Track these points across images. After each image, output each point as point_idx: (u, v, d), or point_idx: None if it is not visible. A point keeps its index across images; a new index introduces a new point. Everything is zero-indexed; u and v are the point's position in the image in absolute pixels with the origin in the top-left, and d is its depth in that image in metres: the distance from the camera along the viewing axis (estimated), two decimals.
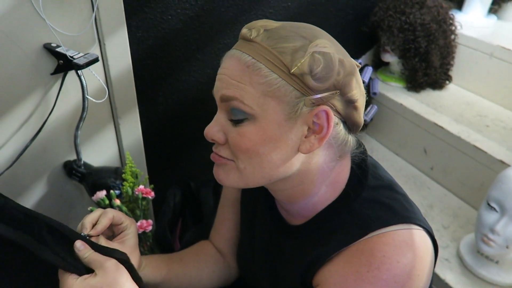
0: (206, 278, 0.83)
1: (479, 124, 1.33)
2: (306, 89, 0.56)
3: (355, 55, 1.58)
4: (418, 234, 0.61)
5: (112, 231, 0.71)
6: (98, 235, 0.66)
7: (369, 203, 0.64)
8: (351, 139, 0.64)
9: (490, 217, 0.92)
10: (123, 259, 0.62)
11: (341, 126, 0.61)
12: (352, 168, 0.67)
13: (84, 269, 0.60)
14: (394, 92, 1.49)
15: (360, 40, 1.54)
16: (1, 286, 0.63)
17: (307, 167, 0.62)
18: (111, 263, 0.60)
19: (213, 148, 0.64)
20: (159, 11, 1.07)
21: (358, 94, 0.60)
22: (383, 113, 1.49)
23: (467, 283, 1.02)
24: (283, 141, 0.58)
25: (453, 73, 1.53)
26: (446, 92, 1.52)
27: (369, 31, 1.46)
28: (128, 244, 0.69)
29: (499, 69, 1.40)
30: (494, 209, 0.91)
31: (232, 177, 0.63)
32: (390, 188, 0.67)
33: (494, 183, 0.93)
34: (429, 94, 1.50)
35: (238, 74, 0.58)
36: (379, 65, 1.62)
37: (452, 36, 1.43)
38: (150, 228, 0.95)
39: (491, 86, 1.45)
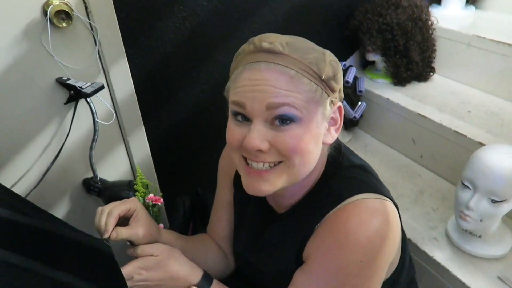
0: (211, 259, 0.94)
1: (462, 111, 1.41)
2: (329, 91, 0.68)
3: (342, 58, 1.70)
4: (388, 204, 0.71)
5: (125, 219, 0.80)
6: (113, 230, 0.75)
7: (344, 179, 0.74)
8: None
9: (465, 195, 1.00)
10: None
11: None
12: (328, 153, 0.78)
13: None
14: (381, 88, 1.58)
15: (345, 43, 1.64)
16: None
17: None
18: (159, 244, 0.78)
19: (254, 159, 0.67)
20: (153, 39, 1.20)
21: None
22: (372, 109, 1.58)
23: (455, 258, 1.10)
24: (319, 138, 0.70)
25: (436, 65, 1.61)
26: (431, 83, 1.60)
27: (351, 34, 1.56)
28: (142, 219, 0.80)
29: (478, 57, 1.48)
30: (468, 187, 1.00)
31: (280, 181, 0.68)
32: (362, 168, 0.77)
33: (467, 163, 1.02)
34: (415, 87, 1.58)
35: (284, 84, 0.64)
36: (366, 64, 1.72)
37: (430, 31, 1.52)
38: None
39: (473, 73, 1.53)
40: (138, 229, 0.78)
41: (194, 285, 0.77)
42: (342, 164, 0.76)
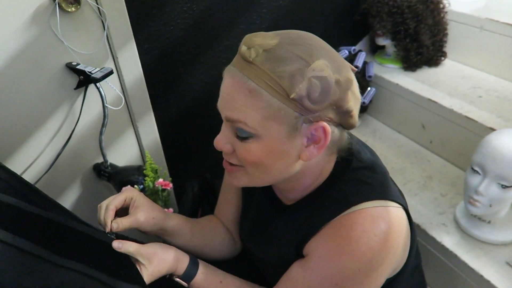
0: (218, 241, 0.95)
1: (473, 95, 1.39)
2: (304, 110, 0.62)
3: (351, 43, 1.68)
4: (394, 211, 0.70)
5: (125, 210, 0.81)
6: (113, 222, 0.76)
7: (351, 182, 0.73)
8: (344, 135, 0.73)
9: (474, 180, 1.00)
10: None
11: (336, 131, 0.69)
12: (338, 153, 0.76)
13: None
14: (391, 73, 1.56)
15: (354, 28, 1.62)
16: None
17: (307, 165, 0.72)
18: (149, 246, 0.76)
19: (224, 155, 0.72)
20: (161, 23, 1.20)
21: (353, 103, 0.67)
22: (382, 94, 1.57)
23: (463, 244, 1.10)
24: (285, 153, 0.67)
25: (448, 49, 1.59)
26: (442, 68, 1.58)
27: (361, 18, 1.53)
28: (141, 204, 0.80)
29: (491, 41, 1.46)
30: (477, 172, 0.99)
31: (243, 180, 0.72)
32: (371, 168, 0.76)
33: (477, 148, 1.01)
34: (426, 72, 1.56)
35: (241, 98, 0.62)
36: (376, 49, 1.70)
37: (441, 14, 1.49)
38: None
39: (485, 58, 1.50)
40: (138, 214, 0.79)
41: (181, 274, 0.79)
42: (351, 165, 0.75)
